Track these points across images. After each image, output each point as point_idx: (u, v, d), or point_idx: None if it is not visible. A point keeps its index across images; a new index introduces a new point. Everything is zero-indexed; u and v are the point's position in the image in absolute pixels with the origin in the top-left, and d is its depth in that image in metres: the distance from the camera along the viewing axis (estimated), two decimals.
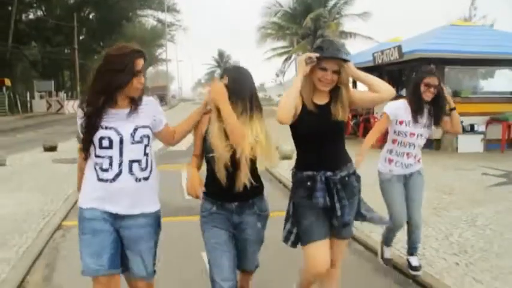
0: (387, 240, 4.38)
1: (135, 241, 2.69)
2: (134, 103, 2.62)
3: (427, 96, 3.77)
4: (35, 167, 9.93)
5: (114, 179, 2.58)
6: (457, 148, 12.09)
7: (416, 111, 3.84)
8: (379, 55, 13.28)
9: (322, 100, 2.89)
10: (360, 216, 3.08)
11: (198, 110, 2.89)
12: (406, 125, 3.87)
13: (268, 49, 34.75)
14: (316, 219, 2.88)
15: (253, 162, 2.75)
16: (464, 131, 12.21)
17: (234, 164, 2.71)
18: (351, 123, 16.71)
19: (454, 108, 3.92)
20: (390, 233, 4.27)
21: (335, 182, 2.85)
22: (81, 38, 43.81)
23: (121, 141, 2.56)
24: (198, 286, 3.85)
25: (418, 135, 3.88)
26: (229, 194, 2.78)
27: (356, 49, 30.22)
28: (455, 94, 12.88)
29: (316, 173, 2.85)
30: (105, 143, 2.55)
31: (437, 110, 3.88)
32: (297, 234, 2.99)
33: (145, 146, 2.65)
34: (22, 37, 37.03)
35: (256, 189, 2.87)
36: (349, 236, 3.14)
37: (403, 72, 14.60)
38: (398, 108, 3.90)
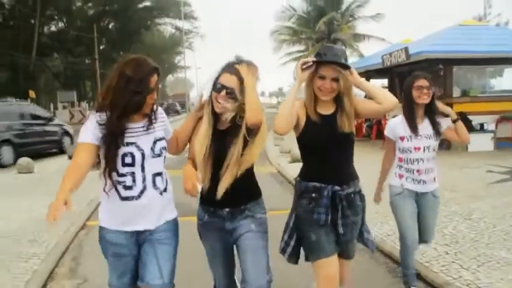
0: (407, 281, 3.81)
1: (153, 245, 2.59)
2: (149, 116, 2.55)
3: (423, 99, 3.50)
4: (60, 173, 10.40)
5: (139, 196, 2.49)
6: (467, 147, 12.25)
7: (410, 120, 3.57)
8: (388, 57, 13.56)
9: (327, 110, 2.77)
10: (360, 235, 2.96)
11: (193, 115, 2.80)
12: (408, 140, 3.58)
13: (284, 54, 35.00)
14: (324, 233, 2.75)
15: (247, 168, 2.65)
16: (473, 130, 12.42)
17: (219, 168, 2.61)
18: (364, 125, 17.01)
19: (458, 119, 3.63)
20: (405, 258, 3.77)
21: (341, 198, 2.72)
22: (101, 47, 44.80)
23: (143, 157, 2.49)
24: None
25: (424, 149, 3.56)
26: (220, 200, 2.63)
27: (370, 51, 30.35)
28: (464, 93, 13.13)
29: (324, 186, 2.72)
30: (128, 159, 2.46)
31: (430, 112, 3.58)
32: (294, 247, 2.88)
33: (164, 157, 2.61)
34: (45, 49, 38.04)
35: (249, 195, 2.75)
36: (351, 257, 2.97)
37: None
38: (396, 125, 3.67)
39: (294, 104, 2.64)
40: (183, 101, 56.62)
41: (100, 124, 2.42)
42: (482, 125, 12.70)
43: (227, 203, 2.66)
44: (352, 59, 27.70)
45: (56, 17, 43.24)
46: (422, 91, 3.49)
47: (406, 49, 12.34)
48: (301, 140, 2.81)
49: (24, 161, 11.28)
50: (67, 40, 41.50)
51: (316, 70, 2.65)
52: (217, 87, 2.61)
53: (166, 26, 58.42)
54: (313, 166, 2.80)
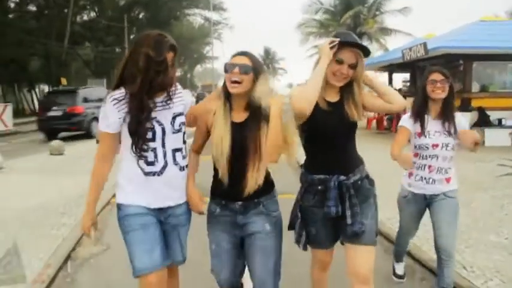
0: (397, 256, 4.09)
1: (176, 228, 2.66)
2: (168, 92, 2.53)
3: (437, 94, 3.31)
4: (89, 155, 11.05)
5: (161, 172, 2.51)
6: (484, 142, 12.38)
7: (418, 114, 3.40)
8: (408, 52, 13.76)
9: (334, 97, 2.69)
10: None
11: (210, 97, 2.74)
12: (425, 137, 3.39)
13: (311, 46, 35.21)
14: (325, 229, 2.76)
15: None
16: (491, 125, 12.57)
17: (239, 162, 2.51)
18: (385, 118, 17.20)
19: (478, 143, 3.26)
20: (398, 247, 4.03)
21: (348, 187, 2.63)
22: (131, 37, 45.66)
23: (163, 132, 2.50)
24: None
25: (442, 145, 3.36)
26: (232, 192, 2.57)
27: (396, 46, 30.27)
28: (483, 89, 13.23)
29: (329, 177, 2.64)
30: (149, 135, 2.46)
31: (448, 108, 3.39)
32: (299, 233, 2.82)
33: (184, 133, 2.61)
34: (77, 38, 39.01)
35: (263, 187, 2.58)
36: (371, 243, 2.69)
37: None
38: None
39: (320, 83, 2.53)
40: (211, 91, 57.37)
41: (119, 100, 2.44)
42: (500, 120, 12.78)
43: (240, 196, 2.56)
44: (377, 54, 27.73)
45: (88, 7, 44.16)
46: (436, 85, 3.31)
47: (424, 44, 12.55)
48: (307, 127, 2.64)
49: (56, 143, 12.02)
50: (98, 29, 42.41)
51: (335, 54, 2.55)
52: (227, 67, 2.50)
53: (196, 17, 59.06)
54: (318, 156, 2.72)
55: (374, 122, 17.87)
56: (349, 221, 2.60)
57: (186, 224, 2.72)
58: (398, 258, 4.09)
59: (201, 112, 2.69)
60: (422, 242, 4.75)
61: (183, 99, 2.66)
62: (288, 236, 2.86)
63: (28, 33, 30.50)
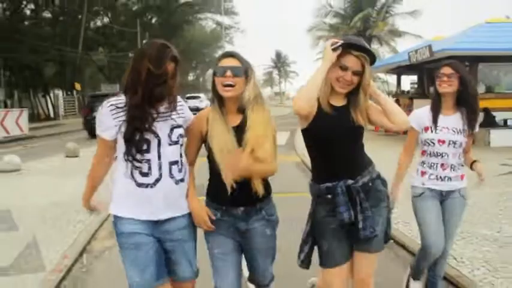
0: (416, 273, 3.51)
1: (179, 244, 2.58)
2: (168, 103, 2.50)
3: (443, 87, 3.18)
4: None
5: (154, 184, 2.45)
6: (489, 143, 12.53)
7: (432, 110, 3.30)
8: (414, 54, 13.96)
9: (339, 102, 2.63)
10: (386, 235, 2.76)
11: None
12: (431, 131, 3.26)
13: (321, 50, 35.39)
14: (337, 240, 2.64)
15: None
16: (497, 125, 12.73)
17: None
18: None
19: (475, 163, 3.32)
20: (421, 262, 3.41)
21: (358, 191, 2.55)
22: (144, 41, 46.19)
23: (159, 143, 2.45)
24: None
25: (449, 143, 3.22)
26: (234, 198, 2.51)
27: (406, 48, 30.41)
28: (489, 90, 13.40)
29: (335, 184, 2.55)
30: (144, 145, 2.42)
31: (461, 105, 3.24)
32: (307, 253, 2.77)
33: (181, 145, 2.56)
34: (90, 44, 39.68)
35: (264, 192, 2.57)
36: (379, 250, 2.73)
37: None
38: (422, 114, 3.35)
39: (319, 83, 2.48)
40: None
41: (118, 107, 2.43)
42: (506, 121, 12.95)
43: (243, 201, 2.55)
44: (388, 56, 27.87)
45: (102, 13, 44.83)
46: (443, 79, 3.18)
47: (429, 46, 12.77)
48: (310, 132, 2.63)
49: (71, 145, 12.48)
50: (111, 35, 43.09)
51: (339, 59, 2.48)
52: (218, 71, 2.45)
53: (208, 21, 59.62)
54: (323, 164, 2.66)
55: None
56: (360, 225, 2.54)
57: (190, 238, 2.62)
58: (417, 275, 3.52)
59: (194, 120, 2.64)
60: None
61: (183, 112, 2.61)
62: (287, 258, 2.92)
63: (43, 39, 31.16)
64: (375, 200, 2.63)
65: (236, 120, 2.52)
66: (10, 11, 32.10)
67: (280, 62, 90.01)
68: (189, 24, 52.71)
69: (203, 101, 34.82)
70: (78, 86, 33.59)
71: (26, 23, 34.22)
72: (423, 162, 3.35)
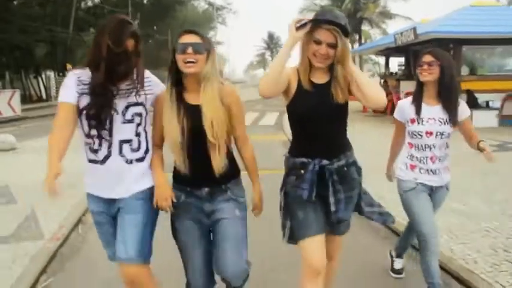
0: (400, 250, 3.89)
1: (120, 216, 2.48)
2: (133, 80, 2.44)
3: (424, 76, 3.09)
4: None
5: (103, 161, 2.42)
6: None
7: (414, 100, 3.22)
8: (399, 37, 14.26)
9: (321, 79, 2.56)
10: (358, 209, 2.76)
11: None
12: (418, 123, 3.17)
13: None
14: (313, 212, 2.57)
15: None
16: (479, 107, 13.11)
17: (199, 146, 2.42)
18: None
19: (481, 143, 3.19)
20: (407, 241, 3.82)
21: (331, 172, 2.52)
22: (135, 22, 45.77)
23: (111, 121, 2.39)
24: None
25: (437, 134, 3.14)
26: (197, 178, 2.47)
27: (395, 30, 30.65)
28: (472, 72, 13.76)
29: (311, 160, 2.52)
30: (94, 122, 2.38)
31: (444, 93, 3.13)
32: (291, 228, 2.68)
33: (137, 125, 2.47)
34: (81, 24, 39.42)
35: (230, 172, 2.51)
36: (346, 231, 2.82)
37: None
38: (406, 106, 3.26)
39: (282, 64, 2.40)
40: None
41: (80, 80, 2.41)
42: (487, 103, 13.33)
43: (206, 182, 2.48)
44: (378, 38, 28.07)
45: None
46: (423, 67, 3.09)
47: (414, 29, 13.06)
48: (290, 109, 2.61)
49: None
50: (103, 15, 42.81)
51: (312, 33, 2.43)
52: (179, 48, 2.37)
53: (200, 1, 59.29)
54: (302, 140, 2.62)
55: None
56: (333, 208, 2.53)
57: (134, 212, 2.46)
58: (400, 253, 3.92)
59: (155, 101, 2.57)
60: None
61: (151, 88, 2.55)
62: (275, 234, 2.89)
63: (33, 20, 30.96)
64: (347, 186, 2.60)
65: (197, 98, 2.44)
66: None
67: (272, 43, 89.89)
68: (181, 5, 52.33)
69: None
70: (69, 66, 33.40)
71: (15, 2, 33.91)
72: (412, 156, 3.27)
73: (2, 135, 10.73)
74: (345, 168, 2.58)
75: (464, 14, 14.16)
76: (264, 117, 17.50)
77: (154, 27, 50.29)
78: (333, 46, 2.42)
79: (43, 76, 36.38)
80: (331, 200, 2.52)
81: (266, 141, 11.29)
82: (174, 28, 44.61)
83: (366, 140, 9.18)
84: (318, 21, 2.40)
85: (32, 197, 6.18)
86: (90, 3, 44.90)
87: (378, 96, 2.44)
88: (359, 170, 2.70)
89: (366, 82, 2.44)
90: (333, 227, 2.69)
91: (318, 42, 2.43)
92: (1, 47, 28.99)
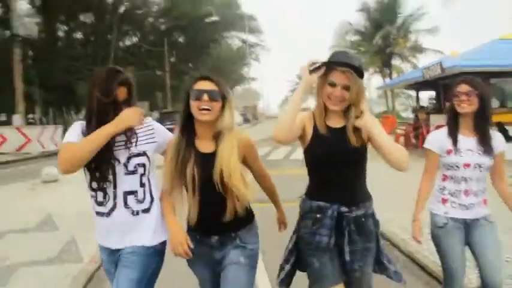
0: None
1: (119, 265, 2.43)
2: (129, 130, 2.39)
3: (462, 107, 2.91)
4: None
5: (109, 213, 2.40)
6: None
7: (450, 131, 3.02)
8: (427, 71, 14.42)
9: (337, 123, 2.50)
10: (379, 265, 2.62)
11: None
12: (455, 154, 2.97)
13: None
14: (329, 261, 2.46)
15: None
16: (510, 139, 13.03)
17: (209, 194, 2.36)
18: (412, 135, 17.70)
19: None
20: None
21: (349, 221, 2.43)
22: (171, 59, 47.30)
23: (114, 173, 2.37)
24: None
25: (475, 166, 2.93)
26: (207, 226, 2.43)
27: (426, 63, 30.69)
28: (502, 104, 13.76)
29: (328, 205, 2.44)
30: (98, 174, 2.37)
31: (481, 124, 2.94)
32: (288, 272, 2.63)
33: (141, 175, 2.44)
34: (120, 62, 41.05)
35: (242, 220, 2.46)
36: (366, 281, 2.57)
37: None
38: (442, 137, 3.06)
39: (296, 110, 2.39)
40: (255, 112, 62.93)
41: (84, 134, 2.39)
42: None
43: (216, 230, 2.44)
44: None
45: (130, 32, 46.21)
46: (461, 98, 2.91)
47: (441, 63, 13.22)
48: (306, 154, 2.56)
49: None
50: (140, 54, 44.41)
51: (327, 76, 2.40)
52: (194, 94, 2.34)
53: (234, 39, 60.76)
54: (319, 183, 2.54)
55: (402, 138, 18.03)
56: (347, 257, 2.44)
57: (130, 266, 2.40)
58: None
59: (168, 146, 2.53)
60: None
61: (153, 136, 2.52)
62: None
63: (75, 59, 32.52)
64: (364, 238, 2.49)
65: (210, 147, 2.41)
66: (45, 34, 33.67)
67: None
68: (215, 43, 53.68)
69: None
70: None
71: (59, 43, 35.72)
72: (444, 188, 3.07)
73: (46, 168, 11.36)
74: (363, 219, 2.49)
75: (491, 47, 14.28)
76: (295, 151, 17.75)
77: (190, 64, 51.72)
78: (348, 88, 2.37)
79: (83, 112, 37.61)
80: (346, 249, 2.44)
81: (296, 175, 11.51)
82: (208, 64, 45.80)
83: (388, 179, 7.85)
84: (332, 64, 2.38)
85: (72, 225, 6.64)
86: (128, 43, 46.69)
87: (397, 162, 2.35)
88: (376, 222, 2.58)
89: (387, 145, 2.37)
90: (351, 280, 2.53)
91: (333, 85, 2.39)
92: (46, 85, 30.48)
